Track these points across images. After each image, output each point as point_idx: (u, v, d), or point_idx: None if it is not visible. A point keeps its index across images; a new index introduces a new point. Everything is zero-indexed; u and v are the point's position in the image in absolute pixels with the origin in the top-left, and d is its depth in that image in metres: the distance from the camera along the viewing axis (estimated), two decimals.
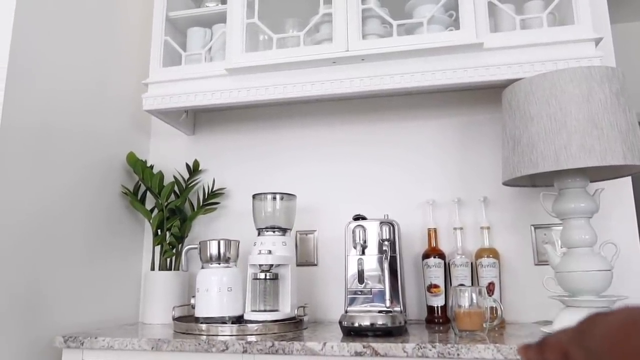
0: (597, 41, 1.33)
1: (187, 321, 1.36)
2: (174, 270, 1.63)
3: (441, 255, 1.48)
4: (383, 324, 1.17)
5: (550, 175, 1.29)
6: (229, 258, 1.41)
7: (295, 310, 1.39)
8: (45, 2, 1.36)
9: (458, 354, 1.03)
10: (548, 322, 1.41)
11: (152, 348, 1.19)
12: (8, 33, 1.24)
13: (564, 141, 1.15)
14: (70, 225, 1.42)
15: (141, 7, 1.82)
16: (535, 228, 1.52)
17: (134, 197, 1.66)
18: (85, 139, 1.50)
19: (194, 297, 1.39)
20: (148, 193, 1.73)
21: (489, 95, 1.63)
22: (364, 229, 1.35)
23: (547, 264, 1.47)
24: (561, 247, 1.44)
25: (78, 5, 1.49)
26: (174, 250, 1.65)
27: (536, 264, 1.50)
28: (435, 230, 1.52)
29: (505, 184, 1.35)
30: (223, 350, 1.15)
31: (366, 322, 1.18)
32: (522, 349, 0.40)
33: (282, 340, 1.13)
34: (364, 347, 1.07)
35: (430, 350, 1.05)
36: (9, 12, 1.25)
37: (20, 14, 1.27)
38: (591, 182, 1.38)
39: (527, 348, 0.39)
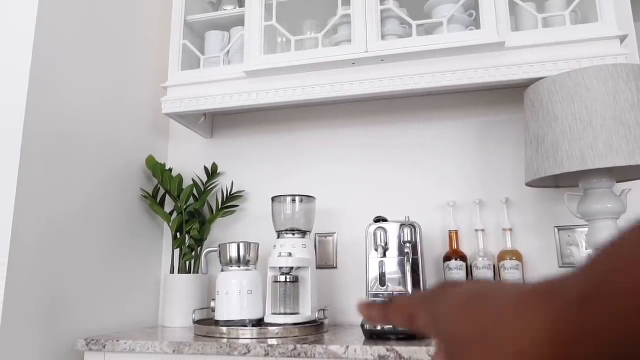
0: (623, 39, 1.30)
1: (207, 324, 1.35)
2: (194, 273, 1.63)
3: (463, 258, 1.46)
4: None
5: (575, 175, 1.26)
6: (249, 261, 1.41)
7: (316, 314, 1.38)
8: (66, 11, 1.37)
9: None
10: None
11: (174, 351, 1.19)
12: (30, 42, 1.25)
13: (590, 140, 1.13)
14: (91, 229, 1.43)
15: (159, 13, 1.83)
16: (559, 230, 1.49)
17: (154, 201, 1.66)
18: (105, 145, 1.51)
19: (214, 300, 1.39)
20: (167, 196, 1.74)
21: (509, 95, 1.61)
22: (385, 231, 1.34)
23: (573, 267, 1.44)
24: (586, 249, 1.41)
25: (97, 14, 1.50)
26: (194, 253, 1.65)
27: (561, 267, 1.47)
28: (456, 232, 1.50)
29: (529, 184, 1.33)
30: (245, 354, 1.14)
31: (389, 326, 1.16)
32: (363, 305, 0.37)
33: (304, 344, 1.12)
34: (387, 350, 1.06)
35: None
36: (31, 19, 1.26)
37: (41, 21, 1.28)
38: (617, 182, 1.35)
39: (369, 305, 0.37)
